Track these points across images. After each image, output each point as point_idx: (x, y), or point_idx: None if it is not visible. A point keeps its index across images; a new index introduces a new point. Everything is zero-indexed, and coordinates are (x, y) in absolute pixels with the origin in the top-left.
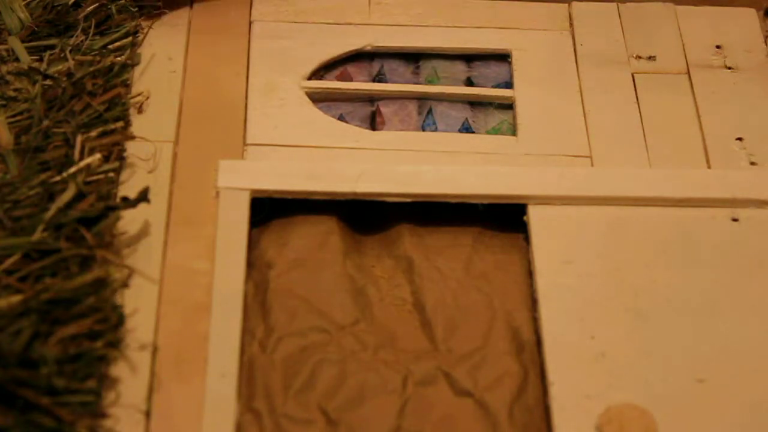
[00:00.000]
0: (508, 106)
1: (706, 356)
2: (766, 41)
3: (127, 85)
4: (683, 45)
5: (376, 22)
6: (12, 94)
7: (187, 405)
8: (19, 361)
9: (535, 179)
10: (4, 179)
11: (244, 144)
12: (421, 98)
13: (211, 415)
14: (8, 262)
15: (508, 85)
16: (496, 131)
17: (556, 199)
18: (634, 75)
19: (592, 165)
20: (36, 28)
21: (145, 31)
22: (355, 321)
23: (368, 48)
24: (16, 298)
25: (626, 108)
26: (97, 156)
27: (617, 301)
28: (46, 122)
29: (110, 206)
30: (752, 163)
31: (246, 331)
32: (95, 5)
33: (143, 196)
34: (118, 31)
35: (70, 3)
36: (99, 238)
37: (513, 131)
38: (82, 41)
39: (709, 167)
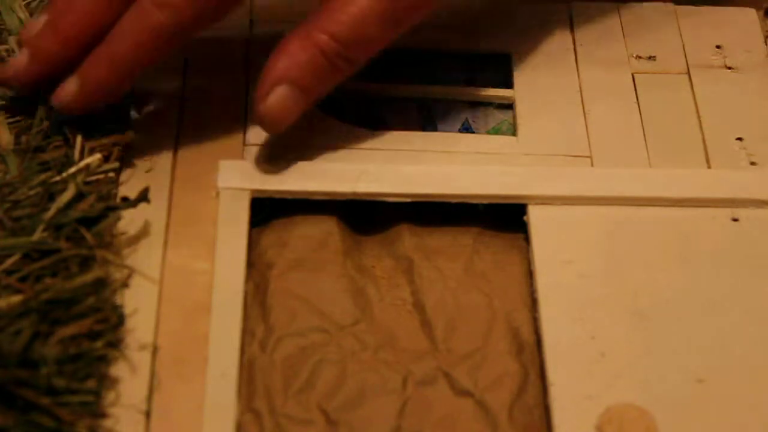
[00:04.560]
0: (508, 106)
1: (706, 356)
2: (766, 41)
3: None
4: (683, 45)
5: None
6: (12, 94)
7: (187, 405)
8: (19, 361)
9: (535, 179)
10: (4, 179)
11: (244, 144)
12: (421, 98)
13: (211, 415)
14: (8, 263)
15: (508, 85)
16: (496, 131)
17: (556, 199)
18: (634, 75)
19: (592, 165)
20: None
21: None
22: (355, 321)
23: None
24: (16, 299)
25: (626, 108)
26: (97, 156)
27: (617, 301)
28: (46, 123)
29: (110, 206)
30: (752, 163)
31: (246, 331)
32: None
33: (143, 196)
34: None
35: None
36: (99, 238)
37: (513, 131)
38: None
39: (709, 167)
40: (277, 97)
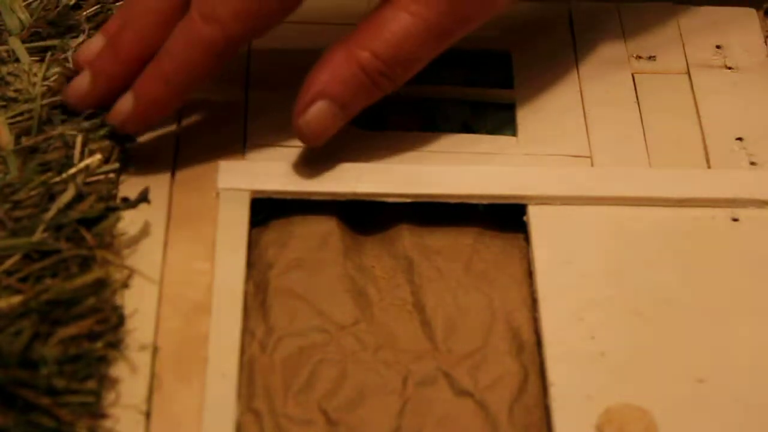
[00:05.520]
0: (508, 106)
1: (706, 356)
2: (766, 41)
3: None
4: (683, 45)
5: None
6: (12, 94)
7: (187, 405)
8: (19, 361)
9: (535, 179)
10: (5, 180)
11: (244, 144)
12: (422, 98)
13: (211, 415)
14: (8, 263)
15: (508, 85)
16: (496, 131)
17: (556, 199)
18: (634, 75)
19: (592, 165)
20: (40, 30)
21: None
22: (355, 321)
23: None
24: (16, 299)
25: (626, 108)
26: (97, 157)
27: (617, 301)
28: (57, 127)
29: (110, 207)
30: (752, 163)
31: (246, 331)
32: (96, 7)
33: (143, 197)
34: None
35: (71, 4)
36: (99, 238)
37: (513, 131)
38: (83, 42)
39: (709, 167)
40: (316, 111)
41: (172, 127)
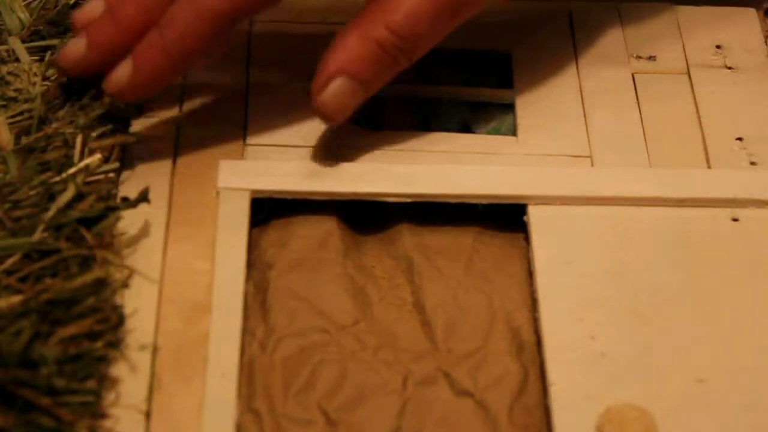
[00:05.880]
0: (508, 106)
1: (706, 356)
2: (766, 41)
3: None
4: (683, 45)
5: None
6: (12, 94)
7: (187, 405)
8: (19, 361)
9: (535, 179)
10: (5, 179)
11: (244, 144)
12: (421, 98)
13: (211, 415)
14: (8, 263)
15: (508, 85)
16: (496, 131)
17: (556, 199)
18: (634, 75)
19: (592, 165)
20: (40, 30)
21: None
22: (355, 321)
23: None
24: (16, 299)
25: (626, 108)
26: (97, 156)
27: (617, 301)
28: (54, 125)
29: (110, 206)
30: (752, 163)
31: (246, 331)
32: None
33: (143, 197)
34: None
35: (70, 3)
36: (99, 238)
37: (513, 131)
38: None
39: (709, 167)
40: (334, 89)
41: (172, 126)
